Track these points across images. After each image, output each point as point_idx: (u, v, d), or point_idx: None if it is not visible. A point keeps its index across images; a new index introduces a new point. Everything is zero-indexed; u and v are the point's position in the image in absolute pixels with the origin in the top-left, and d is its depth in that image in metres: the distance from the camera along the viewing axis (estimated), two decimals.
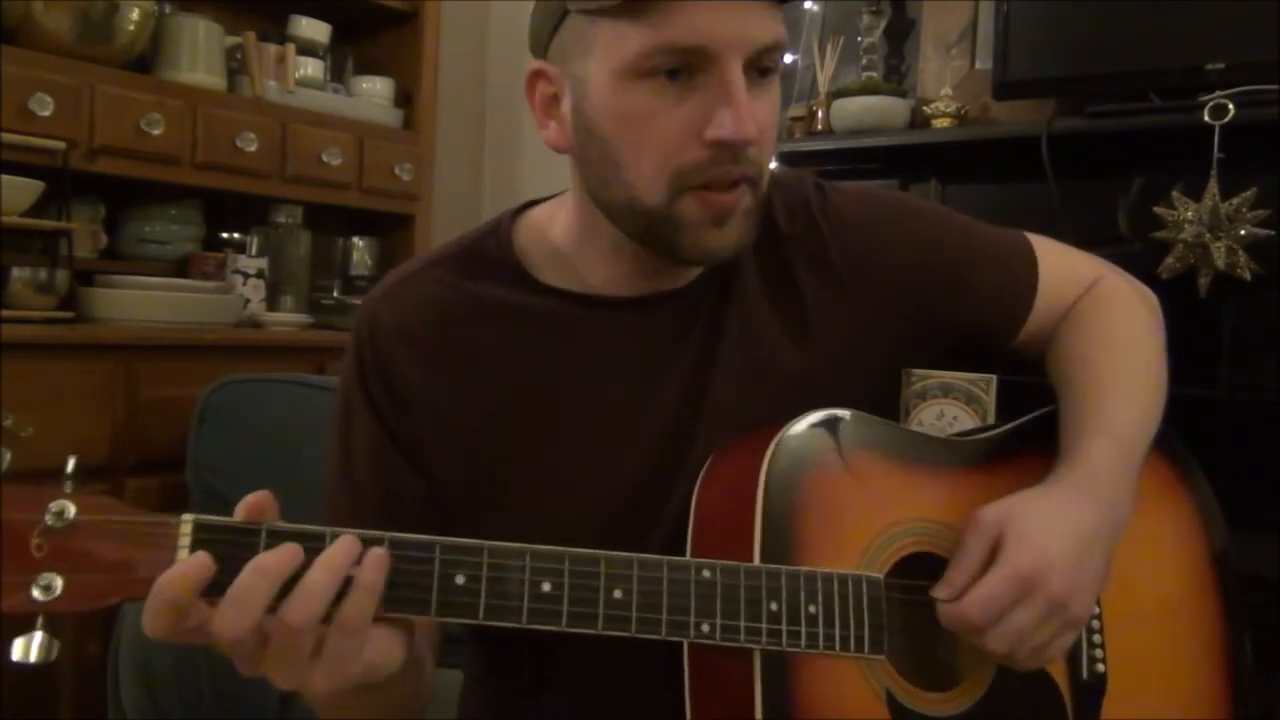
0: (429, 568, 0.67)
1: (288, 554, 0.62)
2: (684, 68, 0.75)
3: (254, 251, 2.20)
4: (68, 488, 0.60)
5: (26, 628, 0.59)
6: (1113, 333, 0.94)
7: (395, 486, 0.86)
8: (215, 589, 0.61)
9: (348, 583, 0.63)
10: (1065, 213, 1.79)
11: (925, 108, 2.06)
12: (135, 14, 1.90)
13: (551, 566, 0.70)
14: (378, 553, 0.64)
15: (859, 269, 0.92)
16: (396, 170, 2.34)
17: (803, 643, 0.75)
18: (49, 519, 0.59)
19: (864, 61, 2.15)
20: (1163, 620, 0.92)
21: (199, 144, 1.99)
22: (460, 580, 0.67)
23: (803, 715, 0.74)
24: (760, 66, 0.77)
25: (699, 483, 0.82)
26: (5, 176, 1.71)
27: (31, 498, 0.59)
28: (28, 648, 0.59)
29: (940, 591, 0.78)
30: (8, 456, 0.60)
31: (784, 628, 0.74)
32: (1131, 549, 0.85)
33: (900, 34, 2.21)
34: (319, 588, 0.62)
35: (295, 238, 2.25)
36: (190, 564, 0.60)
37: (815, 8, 2.31)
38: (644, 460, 0.85)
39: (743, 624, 0.73)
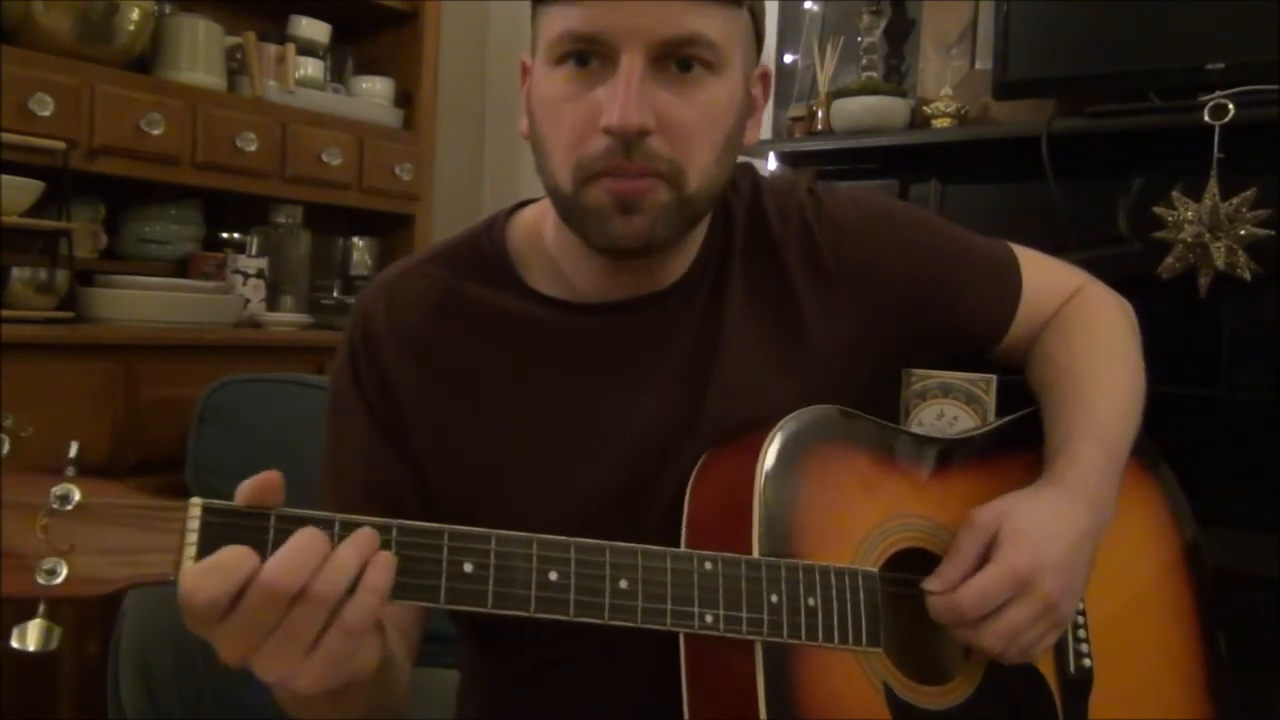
0: (438, 555, 0.66)
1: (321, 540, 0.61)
2: (593, 55, 0.75)
3: (254, 251, 2.20)
4: (70, 471, 0.59)
5: (28, 614, 0.57)
6: (1094, 339, 0.96)
7: (387, 482, 0.86)
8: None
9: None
10: (1065, 213, 1.79)
11: (925, 108, 2.06)
12: (135, 14, 1.90)
13: (558, 555, 0.70)
14: (387, 555, 0.63)
15: (851, 273, 0.92)
16: (396, 170, 2.34)
17: (803, 634, 0.76)
18: (53, 502, 0.57)
19: (864, 61, 2.15)
20: (1143, 615, 0.94)
21: (199, 144, 1.99)
22: (468, 568, 0.67)
23: (804, 706, 0.75)
24: (680, 58, 0.75)
25: (691, 482, 0.83)
26: (5, 176, 1.71)
27: (35, 481, 0.58)
28: (26, 635, 0.58)
29: (932, 584, 0.79)
30: (7, 442, 0.59)
31: (784, 619, 0.75)
32: (1110, 545, 0.87)
33: (900, 34, 2.21)
34: (347, 565, 0.61)
35: (295, 238, 2.25)
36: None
37: (815, 8, 2.30)
38: (632, 463, 0.86)
39: (745, 615, 0.74)
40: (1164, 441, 0.98)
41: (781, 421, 0.81)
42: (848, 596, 0.78)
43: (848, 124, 2.09)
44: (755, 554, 0.76)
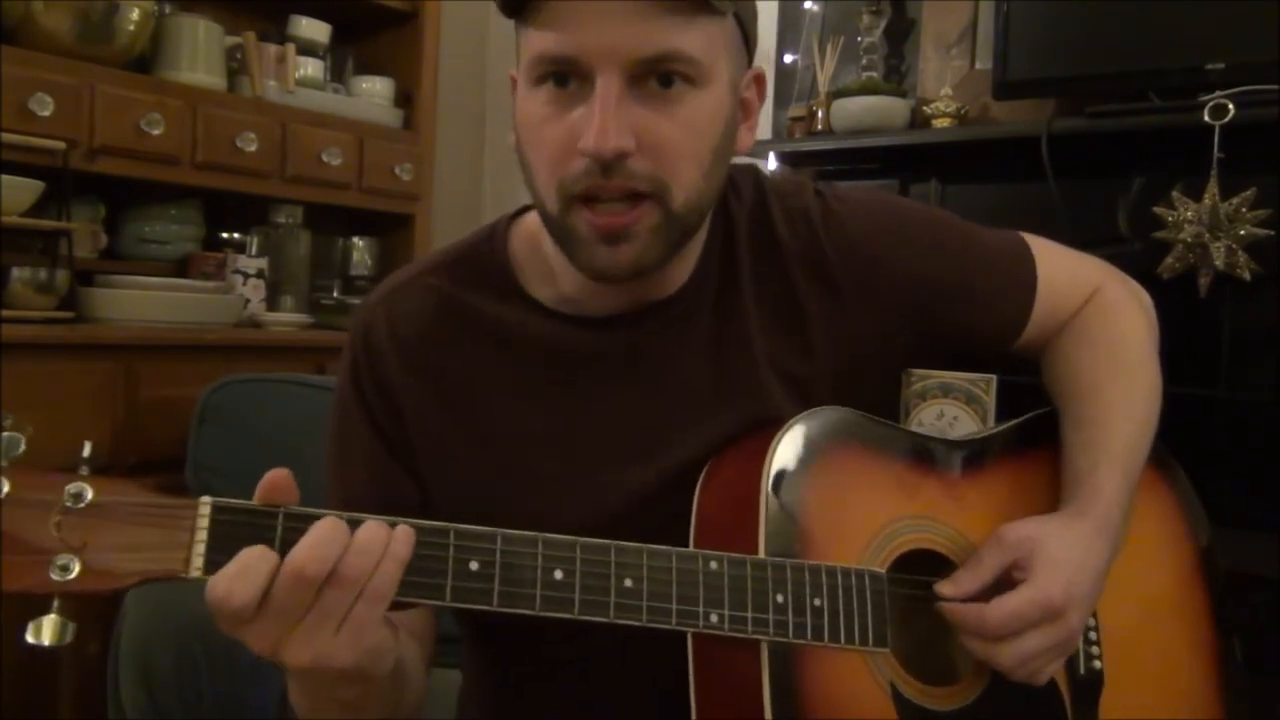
0: (444, 553, 0.67)
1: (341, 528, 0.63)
2: (572, 75, 0.74)
3: (254, 251, 2.20)
4: (84, 471, 0.61)
5: (42, 610, 0.59)
6: (1116, 351, 0.95)
7: (390, 494, 0.86)
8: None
9: None
10: (1065, 213, 1.79)
11: (925, 108, 2.05)
12: (135, 14, 1.90)
13: (564, 554, 0.70)
14: (406, 528, 0.65)
15: (858, 277, 0.91)
16: (396, 170, 2.34)
17: (808, 634, 0.76)
18: (67, 500, 0.59)
19: (864, 61, 2.15)
20: (1154, 618, 0.94)
21: (199, 144, 1.99)
22: (474, 566, 0.67)
23: (810, 706, 0.75)
24: (661, 75, 0.73)
25: (699, 486, 0.83)
26: (5, 176, 1.71)
27: (49, 480, 0.59)
28: (41, 630, 0.59)
29: (945, 588, 0.79)
30: (23, 442, 0.60)
31: (790, 619, 0.75)
32: (1122, 549, 0.87)
33: (900, 34, 2.21)
34: (372, 543, 0.63)
35: (295, 238, 2.25)
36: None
37: (815, 7, 2.30)
38: (637, 472, 0.86)
39: (750, 615, 0.74)
40: (1164, 441, 0.98)
41: (789, 422, 0.81)
42: (854, 597, 0.78)
43: (848, 124, 2.09)
44: (761, 554, 0.76)
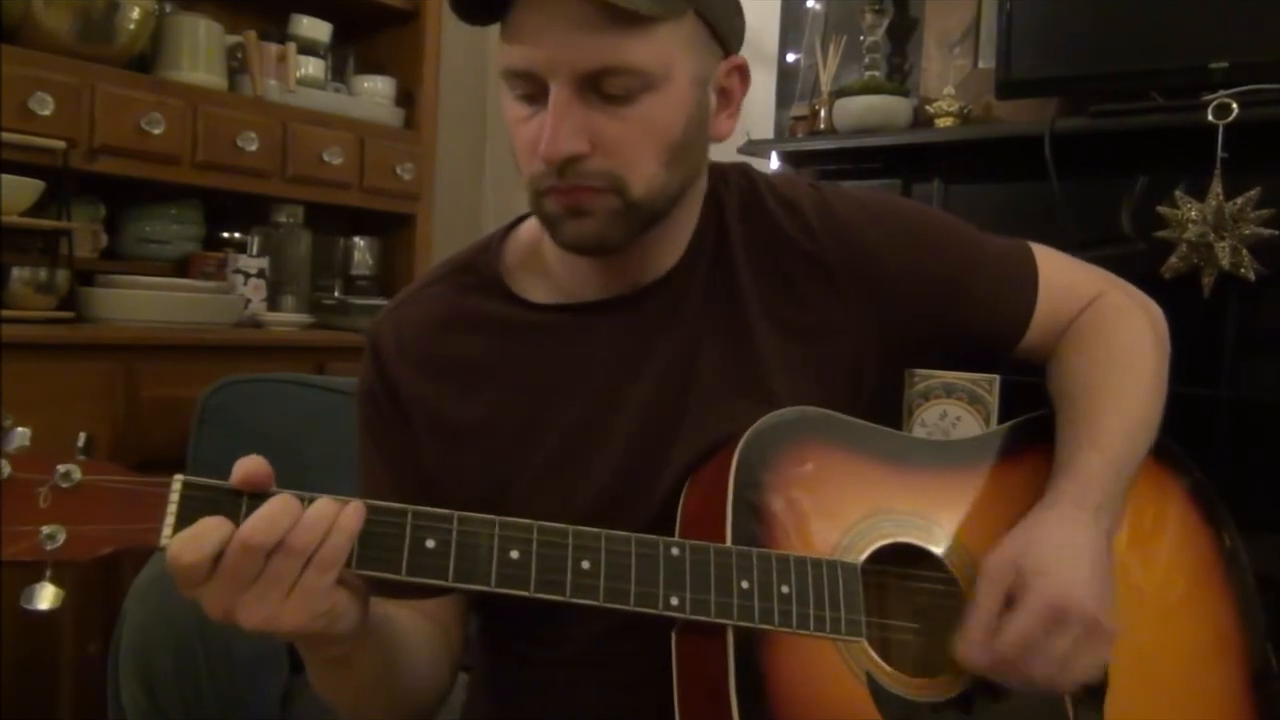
0: (400, 532, 0.71)
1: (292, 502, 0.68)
2: (534, 87, 0.79)
3: (255, 251, 2.20)
4: (80, 456, 0.67)
5: (36, 579, 0.65)
6: (1110, 351, 0.95)
7: (409, 484, 0.89)
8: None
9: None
10: (1068, 212, 1.79)
11: (928, 107, 2.05)
12: (136, 13, 1.90)
13: (520, 536, 0.73)
14: (357, 504, 0.70)
15: (852, 269, 0.92)
16: (398, 170, 2.34)
17: (775, 620, 0.76)
18: (58, 479, 0.65)
19: (866, 61, 2.15)
20: (1165, 621, 0.92)
21: (199, 143, 1.98)
22: (430, 544, 0.71)
23: (778, 693, 0.75)
24: (603, 93, 0.78)
25: (687, 484, 0.84)
26: (5, 176, 1.71)
27: (42, 461, 0.66)
28: (35, 596, 0.65)
29: (961, 643, 0.79)
30: (29, 434, 0.67)
31: (756, 605, 0.76)
32: (1129, 553, 0.87)
33: (903, 33, 2.20)
34: (319, 518, 0.67)
35: (296, 237, 2.25)
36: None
37: (818, 7, 2.30)
38: (631, 446, 0.87)
39: (713, 599, 0.75)
40: (1160, 433, 0.97)
41: (759, 421, 0.82)
42: (825, 586, 0.78)
43: (850, 123, 2.09)
44: (728, 544, 0.77)
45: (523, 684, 0.94)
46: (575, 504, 0.85)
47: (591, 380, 0.89)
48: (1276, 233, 1.62)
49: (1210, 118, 1.61)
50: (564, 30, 0.76)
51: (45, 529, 0.64)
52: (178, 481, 0.67)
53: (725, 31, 0.84)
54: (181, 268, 2.14)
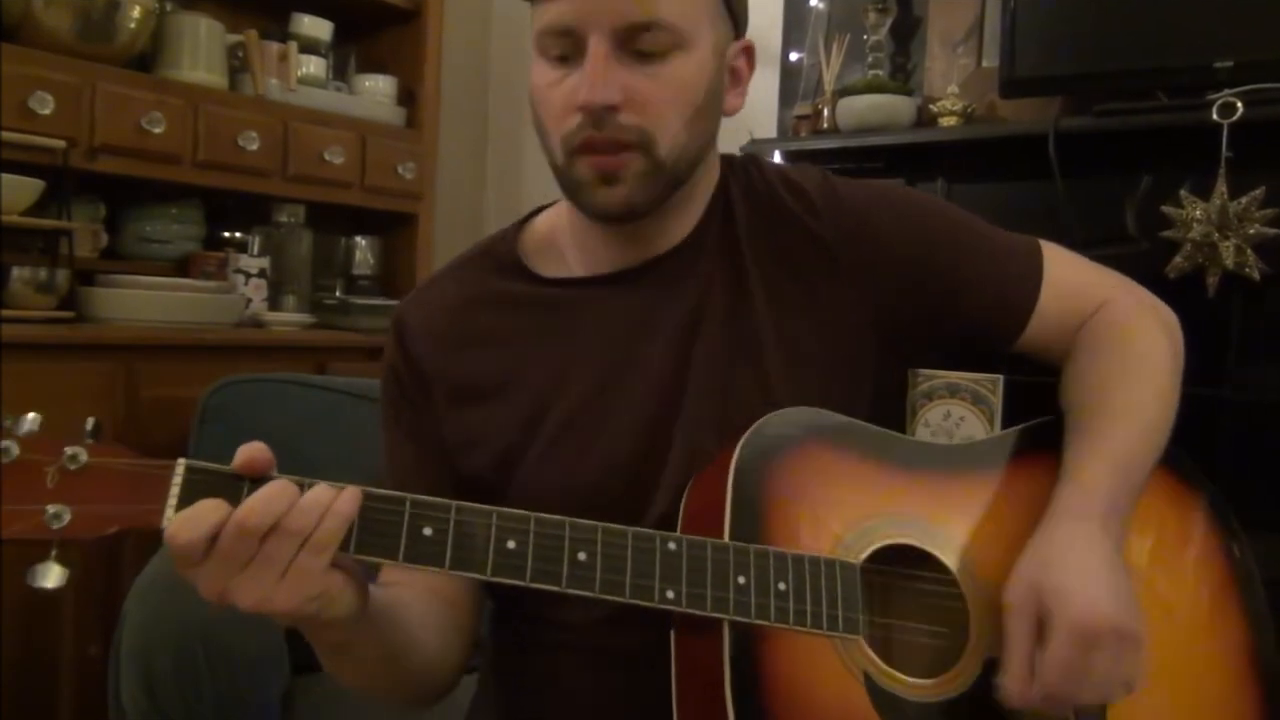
0: (399, 519, 0.72)
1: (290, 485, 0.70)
2: (571, 50, 0.84)
3: (255, 251, 2.20)
4: (88, 439, 0.69)
5: (42, 559, 0.68)
6: (1124, 359, 0.94)
7: (436, 476, 0.93)
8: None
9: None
10: (1072, 212, 1.78)
11: (931, 106, 2.05)
12: (136, 12, 1.90)
13: (517, 527, 0.74)
14: (354, 489, 0.71)
15: (854, 252, 0.93)
16: (399, 169, 2.33)
17: (772, 615, 0.77)
18: (65, 460, 0.67)
19: (870, 59, 2.14)
20: (1170, 627, 0.91)
21: (200, 143, 1.98)
22: (428, 532, 0.72)
23: (773, 689, 0.76)
24: (636, 49, 0.83)
25: (687, 488, 0.85)
26: (5, 175, 1.70)
27: (51, 443, 0.67)
28: (39, 574, 0.67)
29: (1005, 684, 0.78)
30: (38, 421, 0.68)
31: (752, 600, 0.76)
32: (1136, 562, 0.86)
33: (906, 32, 2.20)
34: (316, 503, 0.69)
35: (297, 237, 2.25)
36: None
37: (821, 5, 2.29)
38: (642, 411, 0.90)
39: (709, 593, 0.76)
40: (1170, 442, 0.97)
41: (764, 418, 0.83)
42: (823, 584, 0.79)
43: (853, 122, 2.08)
44: (726, 539, 0.77)
45: (529, 666, 0.95)
46: (591, 461, 0.88)
47: (606, 345, 0.92)
48: None
49: (1215, 117, 1.60)
50: None
51: (51, 508, 0.66)
52: (181, 465, 0.69)
53: (738, 10, 0.90)
54: (182, 267, 2.14)
